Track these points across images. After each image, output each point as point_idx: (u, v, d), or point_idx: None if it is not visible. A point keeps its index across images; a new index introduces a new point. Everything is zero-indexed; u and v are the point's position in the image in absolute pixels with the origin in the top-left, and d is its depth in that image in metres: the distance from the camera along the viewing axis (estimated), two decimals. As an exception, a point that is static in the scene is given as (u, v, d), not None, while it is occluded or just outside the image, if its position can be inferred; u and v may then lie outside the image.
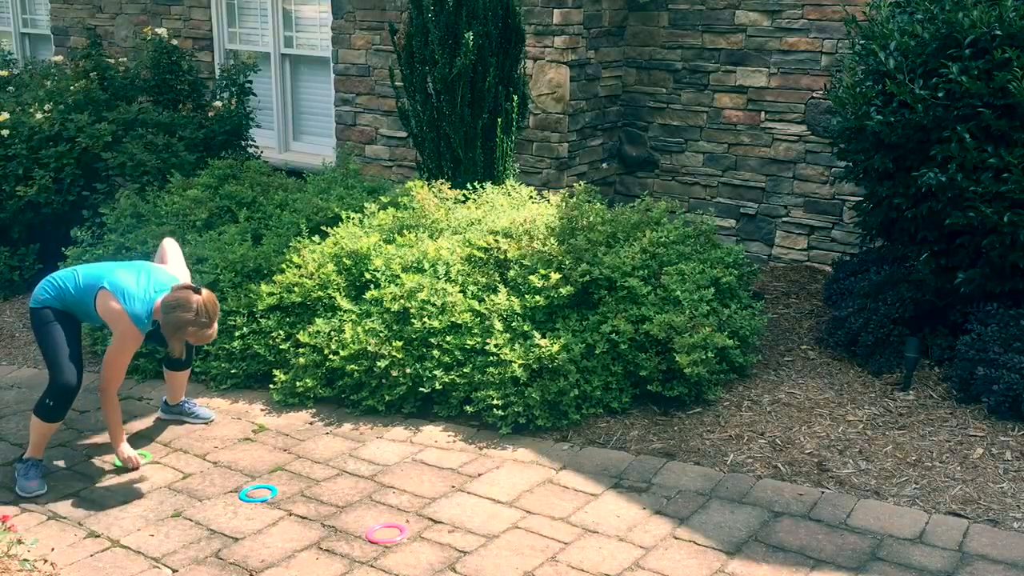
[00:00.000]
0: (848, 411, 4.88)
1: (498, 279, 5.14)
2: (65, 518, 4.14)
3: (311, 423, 4.96)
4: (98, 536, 4.01)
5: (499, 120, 6.13)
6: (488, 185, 6.02)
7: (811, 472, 4.34)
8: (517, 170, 6.53)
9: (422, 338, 4.95)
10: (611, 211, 5.77)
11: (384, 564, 3.77)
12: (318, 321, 5.13)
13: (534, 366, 4.75)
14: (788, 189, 7.06)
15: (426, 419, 4.93)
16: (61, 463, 4.61)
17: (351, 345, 4.96)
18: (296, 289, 5.28)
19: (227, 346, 5.28)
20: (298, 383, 5.07)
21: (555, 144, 7.21)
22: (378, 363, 4.90)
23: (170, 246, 4.76)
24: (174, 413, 5.02)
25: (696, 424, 4.81)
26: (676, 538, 3.90)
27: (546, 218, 5.46)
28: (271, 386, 5.16)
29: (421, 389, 4.90)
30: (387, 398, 4.95)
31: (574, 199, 5.73)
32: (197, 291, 4.24)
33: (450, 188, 5.92)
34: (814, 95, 6.83)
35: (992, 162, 4.69)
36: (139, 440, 4.82)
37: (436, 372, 4.84)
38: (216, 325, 4.34)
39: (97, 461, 4.62)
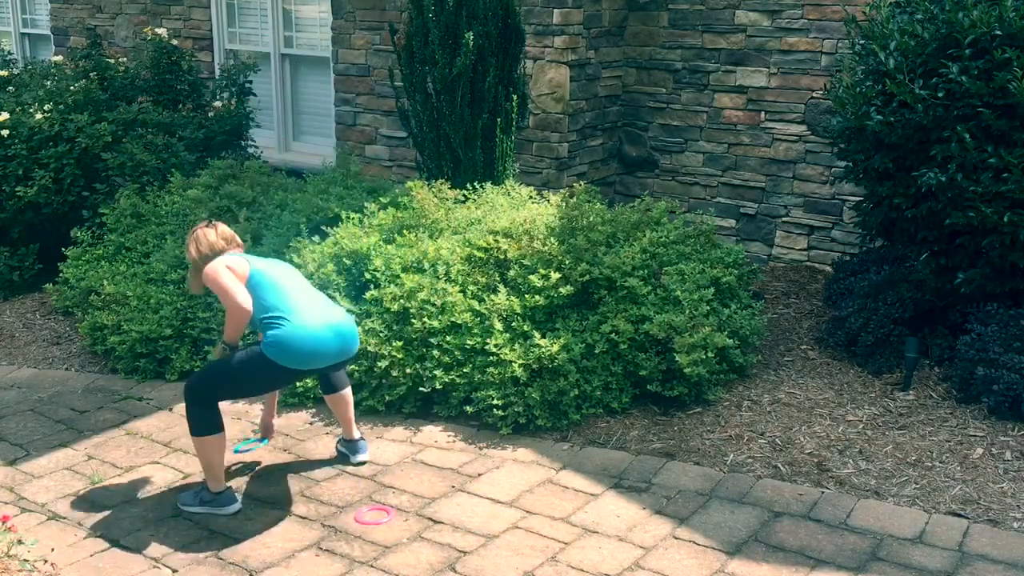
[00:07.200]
0: (848, 411, 4.88)
1: (498, 279, 5.14)
2: (65, 518, 4.14)
3: (311, 423, 4.96)
4: (98, 536, 4.01)
5: (499, 120, 6.13)
6: (488, 185, 6.01)
7: (811, 472, 4.34)
8: (517, 170, 6.53)
9: (422, 338, 4.95)
10: (611, 211, 5.77)
11: (384, 564, 3.77)
12: (318, 321, 5.12)
13: (534, 366, 4.75)
14: (788, 189, 7.06)
15: (426, 419, 4.93)
16: (62, 463, 4.61)
17: (351, 345, 4.96)
18: (296, 289, 5.28)
19: (227, 346, 5.28)
20: (298, 383, 5.07)
21: (555, 144, 7.21)
22: (378, 363, 4.90)
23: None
24: (347, 451, 4.60)
25: (696, 424, 4.81)
26: (676, 538, 3.90)
27: (546, 218, 5.46)
28: (271, 386, 5.16)
29: (421, 389, 4.90)
30: (387, 398, 4.95)
31: (574, 199, 5.73)
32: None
33: (450, 188, 5.92)
34: (814, 95, 6.83)
35: (992, 162, 4.69)
36: (138, 440, 4.82)
37: (436, 372, 4.84)
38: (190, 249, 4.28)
39: (96, 462, 4.62)
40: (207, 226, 4.29)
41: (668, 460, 4.49)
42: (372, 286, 5.21)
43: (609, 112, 7.57)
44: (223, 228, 4.32)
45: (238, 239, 4.36)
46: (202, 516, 4.13)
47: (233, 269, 4.12)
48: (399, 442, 4.73)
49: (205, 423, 4.11)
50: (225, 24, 9.31)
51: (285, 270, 4.32)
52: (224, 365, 4.17)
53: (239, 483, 4.39)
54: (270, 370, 4.06)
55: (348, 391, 4.55)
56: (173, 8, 9.53)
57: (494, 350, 4.78)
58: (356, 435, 4.57)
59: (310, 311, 4.10)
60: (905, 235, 5.32)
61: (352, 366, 4.95)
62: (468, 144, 6.15)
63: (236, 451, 4.53)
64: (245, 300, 4.02)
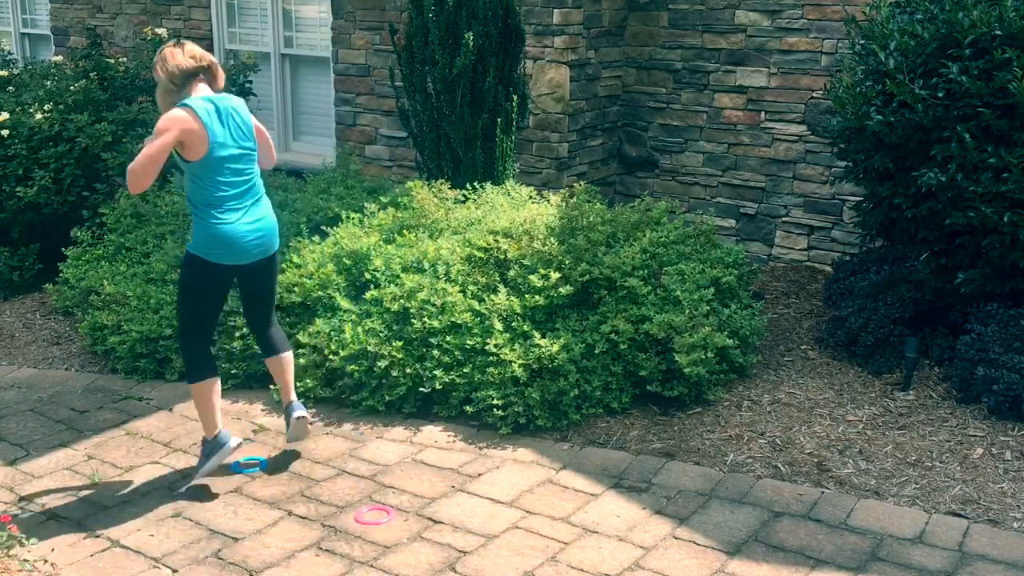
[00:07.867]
0: (848, 411, 4.88)
1: (498, 279, 5.14)
2: (65, 518, 4.14)
3: (311, 423, 4.95)
4: (98, 536, 4.01)
5: (499, 120, 6.13)
6: (488, 185, 6.02)
7: (811, 472, 4.35)
8: (517, 170, 6.53)
9: (422, 338, 4.95)
10: (611, 211, 5.77)
11: (384, 564, 3.78)
12: (318, 321, 5.13)
13: (534, 366, 4.75)
14: (788, 189, 7.06)
15: (426, 419, 4.93)
16: (62, 463, 4.61)
17: (351, 345, 4.96)
18: (296, 289, 5.28)
19: (227, 346, 5.28)
20: (298, 383, 5.07)
21: (555, 144, 7.21)
22: (378, 363, 4.91)
23: None
24: (286, 413, 4.65)
25: (696, 424, 4.81)
26: (676, 538, 3.90)
27: (546, 218, 5.46)
28: (271, 386, 5.15)
29: (421, 389, 4.90)
30: (387, 398, 4.95)
31: (574, 199, 5.73)
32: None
33: (450, 188, 5.93)
34: (814, 95, 6.83)
35: (992, 162, 4.69)
36: (138, 440, 4.82)
37: (436, 372, 4.84)
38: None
39: (96, 462, 4.62)
40: (175, 45, 4.23)
41: (668, 460, 4.49)
42: (372, 286, 5.21)
43: (609, 112, 7.57)
44: (191, 46, 4.25)
45: (209, 56, 4.28)
46: (205, 517, 4.13)
47: (192, 133, 4.07)
48: (399, 442, 4.73)
49: (196, 367, 4.35)
50: (225, 24, 9.30)
51: (235, 149, 4.24)
52: (179, 292, 4.44)
53: (239, 483, 4.39)
54: (203, 269, 4.27)
55: (289, 354, 4.65)
56: (173, 8, 9.52)
57: (494, 350, 4.78)
58: (293, 397, 4.64)
59: (237, 210, 4.26)
60: (905, 235, 5.32)
61: (352, 366, 4.95)
62: (468, 144, 6.15)
63: (234, 469, 4.50)
64: (141, 187, 4.08)
